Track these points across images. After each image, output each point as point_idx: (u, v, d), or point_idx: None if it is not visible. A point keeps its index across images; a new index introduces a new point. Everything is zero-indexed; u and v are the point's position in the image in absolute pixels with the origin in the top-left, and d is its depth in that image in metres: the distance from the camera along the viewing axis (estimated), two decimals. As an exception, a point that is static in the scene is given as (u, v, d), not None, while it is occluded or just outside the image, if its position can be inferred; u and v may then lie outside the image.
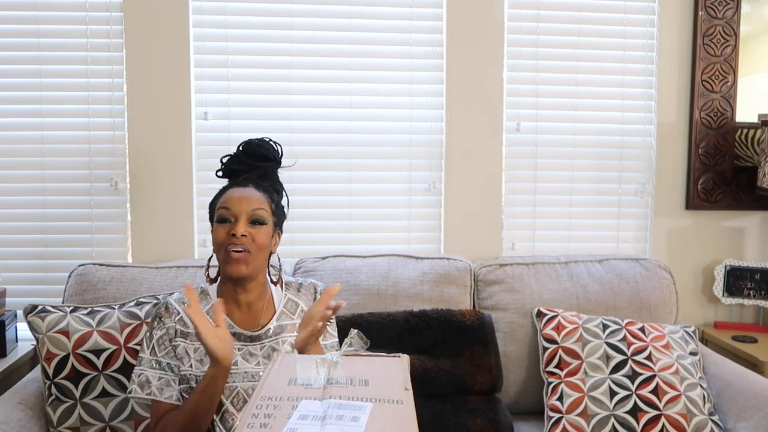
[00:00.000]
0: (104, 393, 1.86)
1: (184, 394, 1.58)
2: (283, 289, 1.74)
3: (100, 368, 1.88)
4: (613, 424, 1.94)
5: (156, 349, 1.58)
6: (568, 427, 1.97)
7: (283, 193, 1.75)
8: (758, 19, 2.62)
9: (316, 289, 1.77)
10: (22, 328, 2.30)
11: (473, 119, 2.56)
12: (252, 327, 1.64)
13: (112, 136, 2.47)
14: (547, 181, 2.63)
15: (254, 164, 1.68)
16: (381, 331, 2.10)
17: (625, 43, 2.62)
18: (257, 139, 1.73)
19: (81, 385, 1.86)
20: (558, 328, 2.14)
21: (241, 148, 1.71)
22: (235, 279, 1.59)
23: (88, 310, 1.99)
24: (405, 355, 1.21)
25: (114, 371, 1.88)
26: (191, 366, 1.57)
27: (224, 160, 1.72)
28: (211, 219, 1.64)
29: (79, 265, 2.25)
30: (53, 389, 1.86)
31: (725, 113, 2.62)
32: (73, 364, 1.87)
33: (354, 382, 1.07)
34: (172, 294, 1.72)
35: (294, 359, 1.17)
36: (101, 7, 2.43)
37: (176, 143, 2.47)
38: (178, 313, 1.60)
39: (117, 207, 2.49)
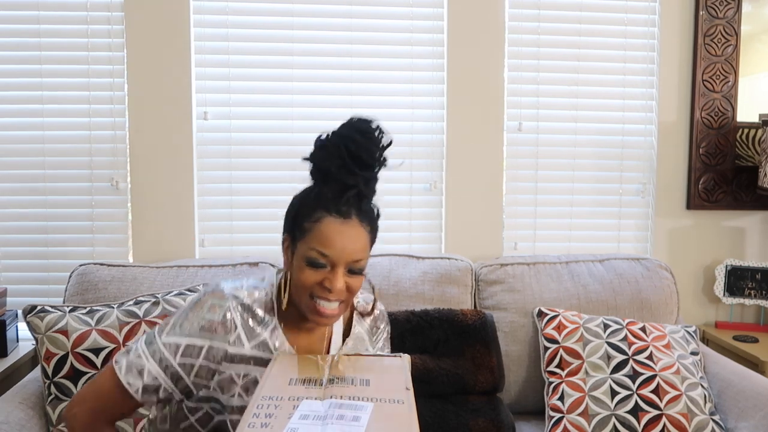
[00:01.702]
0: (105, 392, 1.86)
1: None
2: (354, 317, 1.45)
3: (99, 367, 1.88)
4: (614, 424, 1.94)
5: (180, 352, 1.26)
6: (569, 427, 1.97)
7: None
8: (759, 18, 2.62)
9: (382, 322, 1.48)
10: (23, 328, 2.30)
11: (474, 119, 2.56)
12: (315, 352, 1.37)
13: (113, 136, 2.47)
14: (548, 180, 2.63)
15: (358, 173, 1.26)
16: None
17: (626, 43, 2.62)
18: (366, 131, 1.26)
19: (80, 384, 1.86)
20: (559, 328, 2.14)
21: (343, 144, 1.25)
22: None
23: (87, 309, 1.99)
24: (406, 354, 1.21)
25: (114, 371, 1.88)
26: (235, 396, 1.29)
27: (318, 144, 1.28)
28: (290, 232, 1.30)
29: (80, 265, 2.25)
30: (53, 388, 1.86)
31: (726, 113, 2.62)
32: (72, 363, 1.87)
33: (355, 381, 1.07)
34: (226, 287, 1.32)
35: (295, 359, 1.17)
36: (102, 7, 2.43)
37: (177, 143, 2.47)
38: (236, 328, 1.28)
39: (118, 207, 2.49)
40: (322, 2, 2.50)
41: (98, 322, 1.94)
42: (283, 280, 1.30)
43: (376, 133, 1.27)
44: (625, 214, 2.69)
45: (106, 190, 2.48)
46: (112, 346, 1.90)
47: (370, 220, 1.29)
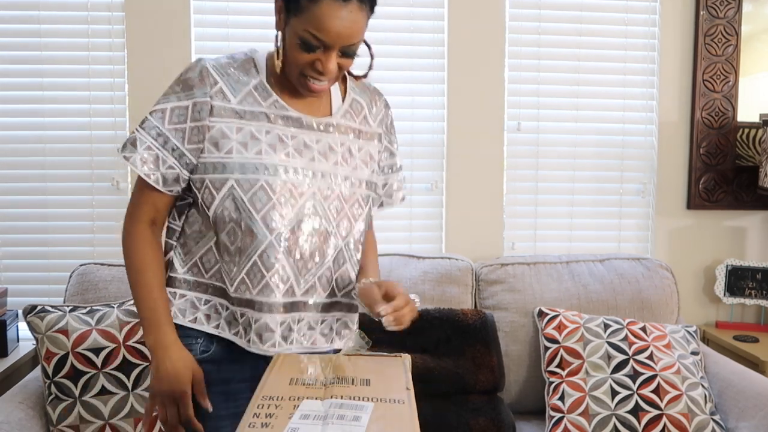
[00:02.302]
0: (103, 391, 1.86)
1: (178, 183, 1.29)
2: (348, 85, 1.42)
3: (99, 366, 1.88)
4: (615, 424, 1.94)
5: (167, 117, 1.25)
6: (570, 427, 1.97)
7: None
8: (760, 18, 2.62)
9: (380, 97, 1.47)
10: (24, 328, 2.29)
11: (475, 119, 2.56)
12: (314, 114, 1.33)
13: (114, 136, 2.47)
14: (549, 180, 2.63)
15: None
16: (383, 331, 2.09)
17: (627, 43, 2.62)
18: None
19: (80, 384, 1.86)
20: (559, 328, 2.14)
21: None
22: None
23: (87, 309, 1.99)
24: (406, 354, 1.22)
25: (113, 369, 1.88)
26: (232, 150, 1.25)
27: None
28: (287, 4, 1.20)
29: (81, 265, 2.26)
30: (53, 388, 1.87)
31: (726, 113, 2.62)
32: (72, 362, 1.88)
33: (355, 381, 1.07)
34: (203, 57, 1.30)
35: (296, 359, 1.17)
36: (103, 7, 2.43)
37: (177, 143, 2.47)
38: (216, 82, 1.25)
39: (118, 206, 2.49)
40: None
41: (98, 321, 1.95)
42: (277, 44, 1.25)
43: None
44: (626, 214, 2.69)
45: (107, 190, 2.48)
46: (113, 345, 1.90)
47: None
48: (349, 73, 1.41)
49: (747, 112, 2.63)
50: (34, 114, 2.45)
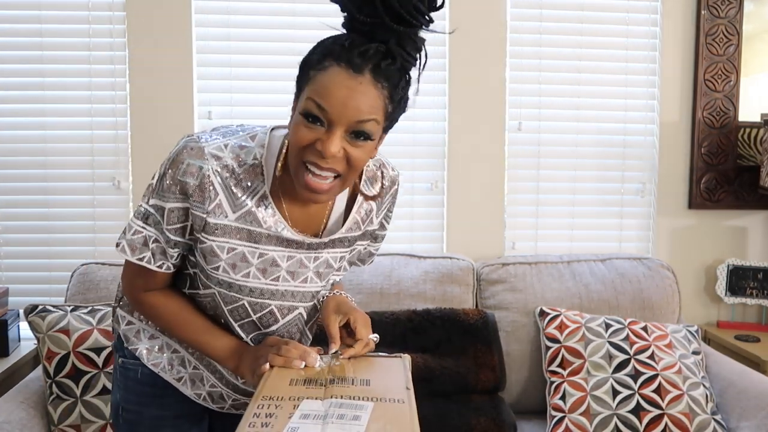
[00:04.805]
0: (105, 390, 1.87)
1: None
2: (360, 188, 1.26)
3: (100, 366, 1.88)
4: (616, 424, 1.94)
5: (166, 217, 1.13)
6: (571, 427, 1.97)
7: (415, 67, 1.08)
8: (761, 18, 2.61)
9: (391, 187, 1.32)
10: (25, 328, 2.30)
11: (476, 119, 2.55)
12: (311, 232, 1.21)
13: (115, 136, 2.47)
14: (550, 180, 2.63)
15: (392, 27, 1.02)
16: (384, 330, 2.10)
17: (628, 43, 2.61)
18: None
19: (81, 383, 1.87)
20: (560, 328, 2.14)
21: None
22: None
23: (89, 308, 1.99)
24: (406, 354, 1.22)
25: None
26: (219, 269, 1.16)
27: None
28: (299, 84, 1.12)
29: (82, 264, 2.26)
30: (54, 388, 1.87)
31: (728, 112, 2.62)
32: (73, 362, 1.88)
33: (355, 381, 1.07)
34: (207, 144, 1.16)
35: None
36: (104, 7, 2.43)
37: (178, 142, 2.47)
38: (217, 195, 1.11)
39: (119, 206, 2.49)
40: (323, 2, 2.49)
41: (100, 321, 1.95)
42: (283, 141, 1.15)
43: None
44: (627, 214, 2.68)
45: (108, 190, 2.48)
46: (114, 345, 1.90)
47: (392, 84, 1.04)
48: (362, 192, 1.24)
49: (748, 111, 2.63)
50: (35, 114, 2.45)
